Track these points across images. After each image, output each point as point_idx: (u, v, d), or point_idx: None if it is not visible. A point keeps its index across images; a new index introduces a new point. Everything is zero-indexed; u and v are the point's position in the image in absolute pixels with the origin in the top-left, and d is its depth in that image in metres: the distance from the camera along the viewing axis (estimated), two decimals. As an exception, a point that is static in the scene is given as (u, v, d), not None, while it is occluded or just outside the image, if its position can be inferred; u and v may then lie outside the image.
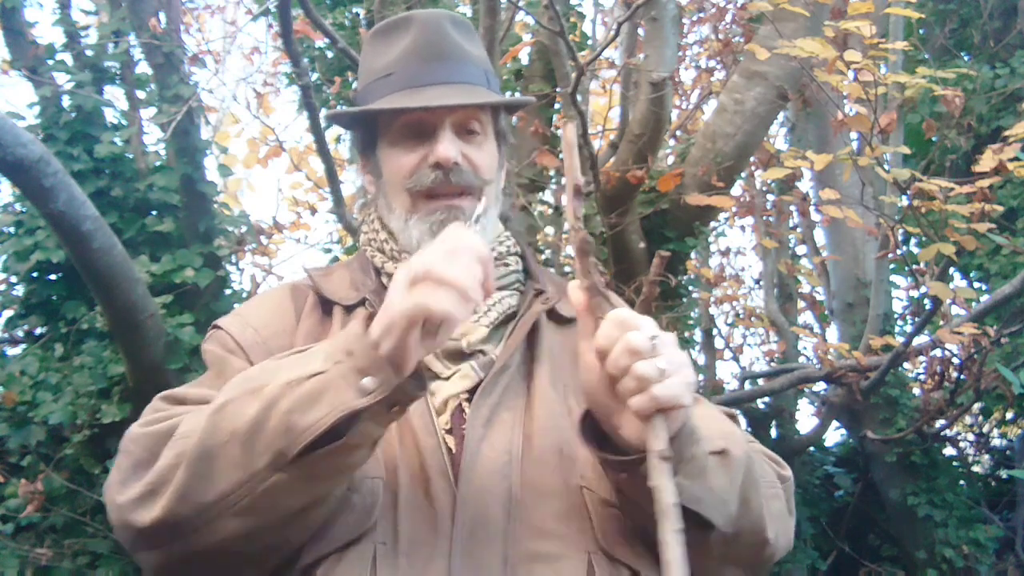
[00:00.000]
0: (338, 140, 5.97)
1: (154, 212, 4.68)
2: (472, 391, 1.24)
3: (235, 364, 1.23)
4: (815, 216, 6.19)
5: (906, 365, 4.87)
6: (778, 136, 6.75)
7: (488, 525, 1.12)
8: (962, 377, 4.35)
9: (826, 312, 6.46)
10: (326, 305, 1.33)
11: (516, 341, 1.28)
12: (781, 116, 5.69)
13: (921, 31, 6.75)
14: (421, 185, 1.29)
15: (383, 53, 1.33)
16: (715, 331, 6.53)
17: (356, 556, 1.09)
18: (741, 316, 6.83)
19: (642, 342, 0.99)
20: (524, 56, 5.19)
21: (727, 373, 7.17)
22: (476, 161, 1.30)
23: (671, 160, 4.89)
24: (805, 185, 6.36)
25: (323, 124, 3.92)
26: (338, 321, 1.30)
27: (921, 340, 4.46)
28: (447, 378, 1.26)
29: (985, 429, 6.54)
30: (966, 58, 6.83)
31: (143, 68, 4.85)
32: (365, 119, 1.35)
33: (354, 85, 5.17)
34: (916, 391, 5.31)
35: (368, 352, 1.00)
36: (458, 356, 1.27)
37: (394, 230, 1.34)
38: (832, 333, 6.18)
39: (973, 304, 4.21)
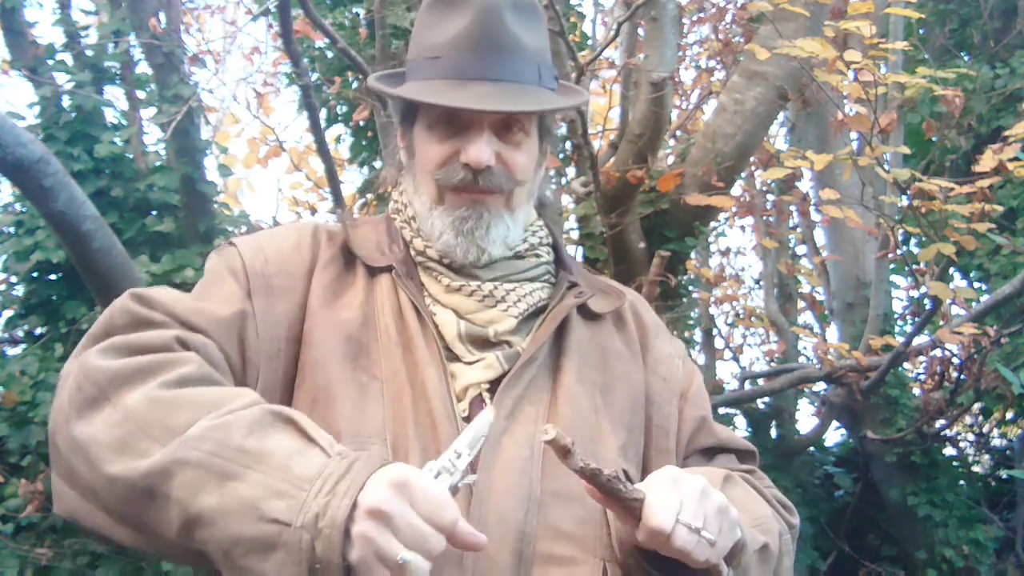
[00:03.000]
0: (338, 140, 5.98)
1: (154, 212, 4.68)
2: (493, 382, 1.20)
3: (230, 286, 1.23)
4: (815, 216, 6.19)
5: (906, 365, 4.87)
6: (778, 136, 6.75)
7: (504, 521, 1.09)
8: (962, 377, 4.35)
9: (826, 312, 6.46)
10: (349, 257, 1.29)
11: (545, 334, 1.24)
12: (781, 116, 5.69)
13: (921, 31, 6.74)
14: (449, 181, 1.25)
15: (436, 29, 1.26)
16: (715, 331, 6.51)
17: None
18: (741, 316, 6.82)
19: (690, 528, 1.04)
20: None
21: (727, 373, 7.14)
22: (511, 162, 1.25)
23: (671, 160, 4.88)
24: (805, 185, 6.36)
25: (323, 124, 3.92)
26: (361, 281, 1.27)
27: (921, 340, 4.45)
28: (469, 363, 1.22)
29: (985, 429, 6.54)
30: (966, 58, 6.82)
31: (143, 68, 4.85)
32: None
33: (354, 85, 5.17)
34: (916, 391, 5.30)
35: (336, 547, 0.92)
36: (483, 344, 1.23)
37: (418, 214, 1.30)
38: (832, 333, 6.19)
39: (973, 304, 4.21)
